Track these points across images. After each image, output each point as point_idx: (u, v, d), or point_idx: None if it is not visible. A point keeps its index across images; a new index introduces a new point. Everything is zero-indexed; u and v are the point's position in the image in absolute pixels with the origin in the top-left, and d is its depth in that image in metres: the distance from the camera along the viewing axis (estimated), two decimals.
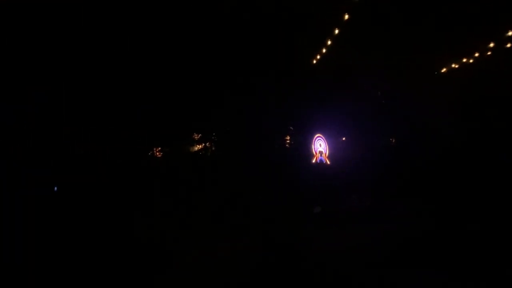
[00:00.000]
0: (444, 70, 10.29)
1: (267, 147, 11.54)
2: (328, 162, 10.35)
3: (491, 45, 9.19)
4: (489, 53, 9.35)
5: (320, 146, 10.61)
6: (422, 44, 9.44)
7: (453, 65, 10.13)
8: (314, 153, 10.72)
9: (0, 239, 5.59)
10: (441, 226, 6.97)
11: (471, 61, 9.74)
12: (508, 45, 8.90)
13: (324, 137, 10.36)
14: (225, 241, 6.86)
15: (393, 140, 10.57)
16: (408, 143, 9.68)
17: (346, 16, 8.59)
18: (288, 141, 11.77)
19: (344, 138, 10.64)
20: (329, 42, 8.96)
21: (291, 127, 11.82)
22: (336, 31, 9.00)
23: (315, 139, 10.65)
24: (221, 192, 9.73)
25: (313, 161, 10.74)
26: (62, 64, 8.61)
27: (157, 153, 10.60)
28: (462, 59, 9.92)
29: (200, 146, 11.16)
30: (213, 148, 11.38)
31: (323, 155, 10.53)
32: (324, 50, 9.26)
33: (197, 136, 10.59)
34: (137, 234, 7.17)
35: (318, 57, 9.78)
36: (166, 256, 6.11)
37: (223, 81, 10.13)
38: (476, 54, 9.58)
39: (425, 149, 9.34)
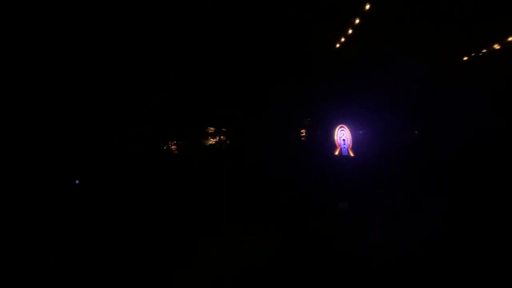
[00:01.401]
0: (480, 54, 9.26)
1: (285, 137, 10.96)
2: (352, 154, 9.66)
3: None
4: None
5: (343, 137, 9.90)
6: (456, 26, 8.47)
7: (490, 49, 9.11)
8: (336, 144, 10.04)
9: None
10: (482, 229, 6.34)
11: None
12: None
13: (348, 127, 9.63)
14: (247, 235, 6.74)
15: (422, 133, 9.75)
16: (439, 136, 8.85)
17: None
18: (305, 133, 11.12)
19: (369, 129, 9.88)
20: (356, 22, 8.09)
21: (309, 118, 11.12)
22: (363, 13, 8.13)
23: (338, 130, 9.94)
24: (240, 185, 9.49)
25: (336, 153, 10.08)
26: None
27: (172, 147, 10.29)
28: (500, 42, 8.89)
29: (215, 140, 10.65)
30: (228, 142, 10.86)
31: (347, 146, 9.84)
32: (349, 31, 8.39)
33: (212, 129, 10.11)
34: (163, 227, 7.14)
35: (342, 40, 8.93)
36: (191, 249, 6.04)
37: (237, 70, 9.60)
38: None
39: (458, 143, 8.51)
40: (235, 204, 8.75)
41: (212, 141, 10.39)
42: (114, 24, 8.41)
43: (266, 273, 5.16)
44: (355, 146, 9.50)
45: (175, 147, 10.24)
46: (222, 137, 10.73)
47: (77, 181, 8.88)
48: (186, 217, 7.90)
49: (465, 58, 9.18)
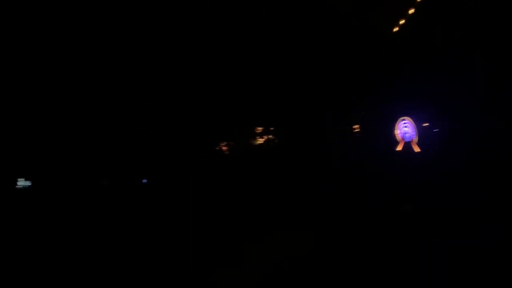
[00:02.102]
0: None
1: (337, 133, 10.13)
2: (418, 150, 8.49)
3: None
4: None
5: (406, 131, 8.78)
6: None
7: None
8: (399, 139, 8.93)
9: None
10: None
11: None
12: None
13: (412, 120, 8.51)
14: (289, 238, 6.34)
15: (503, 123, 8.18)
16: None
17: None
18: (360, 128, 10.16)
19: (438, 121, 8.62)
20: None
21: (364, 111, 10.16)
22: None
23: (400, 123, 8.84)
24: (286, 185, 9.02)
25: (398, 149, 8.96)
26: None
27: (223, 147, 10.16)
28: None
29: (262, 140, 10.23)
30: (276, 141, 10.35)
31: (411, 142, 8.70)
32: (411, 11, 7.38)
33: (260, 129, 9.72)
34: (202, 227, 6.98)
35: (402, 21, 7.90)
36: (232, 250, 5.93)
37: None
38: None
39: None
40: (284, 205, 8.29)
41: (260, 140, 9.99)
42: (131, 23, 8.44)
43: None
44: (422, 140, 8.34)
45: (226, 148, 10.11)
46: (270, 136, 10.26)
47: (144, 180, 9.13)
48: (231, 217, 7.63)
49: None
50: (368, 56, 8.91)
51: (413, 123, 8.68)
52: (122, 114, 8.89)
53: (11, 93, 8.12)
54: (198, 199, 8.16)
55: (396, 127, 8.96)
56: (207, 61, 9.12)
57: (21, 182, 8.13)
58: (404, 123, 8.67)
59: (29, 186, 8.21)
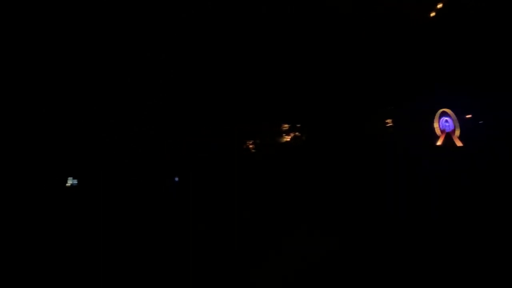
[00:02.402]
0: None
1: (367, 128, 9.57)
2: (460, 144, 7.83)
3: None
4: None
5: (446, 125, 8.12)
6: None
7: None
8: (438, 133, 8.27)
9: None
10: None
11: None
12: None
13: (453, 112, 7.84)
14: (321, 237, 6.09)
15: None
16: None
17: None
18: (392, 123, 9.55)
19: (483, 113, 7.87)
20: None
21: (397, 105, 9.54)
22: None
23: (439, 116, 8.18)
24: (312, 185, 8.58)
25: (438, 143, 8.30)
26: None
27: (250, 145, 9.85)
28: None
29: (288, 137, 9.77)
30: (303, 138, 9.87)
31: (452, 135, 8.04)
32: None
33: (286, 126, 9.27)
34: (233, 227, 6.94)
35: (440, 6, 7.20)
36: (264, 248, 5.78)
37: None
38: None
39: None
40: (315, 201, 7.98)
41: (286, 138, 9.53)
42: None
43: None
44: (465, 134, 7.67)
45: (252, 145, 9.81)
46: (296, 133, 9.78)
47: (176, 179, 9.78)
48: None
49: None
50: (404, 45, 8.28)
51: (454, 116, 8.02)
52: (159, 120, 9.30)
53: (58, 101, 8.74)
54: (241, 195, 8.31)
55: (435, 120, 8.32)
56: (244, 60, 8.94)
57: (70, 181, 9.33)
58: (444, 116, 8.02)
59: (76, 184, 9.39)
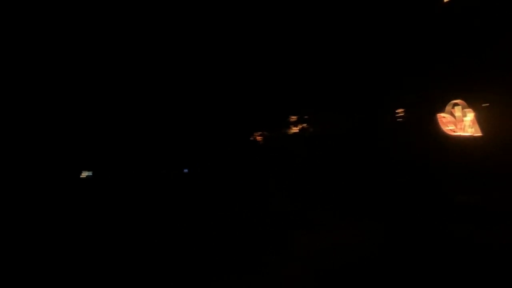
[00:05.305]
0: None
1: (377, 119, 9.43)
2: (477, 134, 7.61)
3: None
4: None
5: (459, 115, 7.89)
6: None
7: None
8: (450, 124, 8.05)
9: None
10: None
11: None
12: None
13: (469, 101, 7.60)
14: (341, 229, 6.02)
15: None
16: None
17: None
18: (404, 113, 9.38)
19: (497, 102, 7.62)
20: None
21: (408, 94, 9.36)
22: None
23: (452, 106, 7.95)
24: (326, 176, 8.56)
25: (451, 134, 8.09)
26: None
27: (258, 138, 9.87)
28: None
29: (297, 129, 9.71)
30: (311, 129, 9.80)
31: (464, 126, 7.82)
32: None
33: (294, 118, 9.19)
34: (251, 218, 7.01)
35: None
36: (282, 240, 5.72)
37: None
38: None
39: None
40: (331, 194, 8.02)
41: (294, 129, 9.44)
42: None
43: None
44: (481, 125, 7.44)
45: (261, 137, 9.84)
46: (304, 125, 9.67)
47: (186, 170, 10.08)
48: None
49: None
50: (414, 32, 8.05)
51: (467, 105, 7.79)
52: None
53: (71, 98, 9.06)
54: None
55: (446, 110, 8.10)
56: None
57: (85, 173, 9.86)
58: (456, 106, 7.78)
59: (91, 176, 9.88)
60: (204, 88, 9.46)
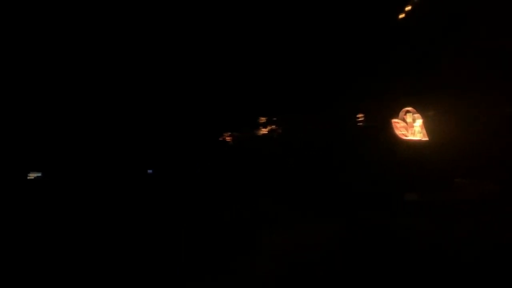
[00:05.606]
0: None
1: (340, 123, 10.09)
2: (425, 139, 8.44)
3: None
4: None
5: (410, 121, 8.71)
6: None
7: None
8: (403, 129, 8.87)
9: None
10: None
11: None
12: None
13: (418, 109, 8.43)
14: (307, 227, 6.30)
15: None
16: None
17: None
18: (363, 118, 10.09)
19: (447, 108, 8.51)
20: None
21: (367, 101, 10.08)
22: None
23: (404, 113, 8.76)
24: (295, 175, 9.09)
25: (403, 138, 8.91)
26: None
27: (227, 138, 10.20)
28: None
29: (266, 130, 10.19)
30: (280, 131, 10.32)
31: (414, 131, 8.65)
32: None
33: (263, 119, 9.68)
34: (218, 219, 7.09)
35: (409, 8, 7.78)
36: (248, 240, 5.88)
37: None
38: None
39: None
40: (291, 194, 8.46)
41: (264, 131, 9.94)
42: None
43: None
44: (427, 130, 8.29)
45: (230, 138, 10.16)
46: (273, 126, 10.19)
47: (150, 171, 10.04)
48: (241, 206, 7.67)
49: None
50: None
51: (418, 112, 8.62)
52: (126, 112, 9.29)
53: (21, 91, 8.67)
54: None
55: (400, 116, 8.90)
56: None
57: (33, 174, 9.36)
58: (409, 113, 8.60)
59: (40, 177, 9.39)
60: (168, 84, 9.50)
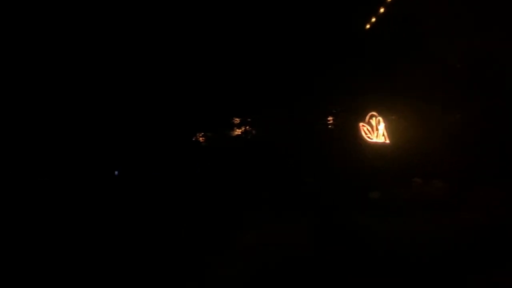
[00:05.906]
0: None
1: (311, 126, 10.53)
2: (387, 142, 9.05)
3: None
4: None
5: (375, 124, 9.30)
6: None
7: None
8: (368, 132, 9.44)
9: None
10: None
11: None
12: None
13: (381, 113, 9.02)
14: (277, 227, 6.44)
15: (467, 115, 8.83)
16: (502, 118, 7.96)
17: None
18: (332, 121, 10.60)
19: (405, 114, 9.18)
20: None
21: (336, 105, 10.62)
22: None
23: (369, 117, 9.33)
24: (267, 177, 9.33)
25: (368, 141, 9.48)
26: None
27: (200, 138, 10.28)
28: None
29: (240, 131, 10.43)
30: (254, 132, 10.58)
31: (378, 134, 9.25)
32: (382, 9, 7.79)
33: (237, 120, 9.90)
34: (193, 218, 7.11)
35: (374, 20, 8.32)
36: (222, 239, 5.98)
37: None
38: None
39: None
40: (263, 195, 8.60)
41: (238, 131, 10.17)
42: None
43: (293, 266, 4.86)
44: (391, 133, 8.91)
45: (203, 138, 10.24)
46: (247, 127, 10.44)
47: (116, 172, 9.66)
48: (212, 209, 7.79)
49: None
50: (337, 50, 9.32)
51: (381, 117, 9.22)
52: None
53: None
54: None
55: (365, 120, 9.46)
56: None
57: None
58: (373, 117, 9.19)
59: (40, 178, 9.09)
60: (140, 83, 9.43)
